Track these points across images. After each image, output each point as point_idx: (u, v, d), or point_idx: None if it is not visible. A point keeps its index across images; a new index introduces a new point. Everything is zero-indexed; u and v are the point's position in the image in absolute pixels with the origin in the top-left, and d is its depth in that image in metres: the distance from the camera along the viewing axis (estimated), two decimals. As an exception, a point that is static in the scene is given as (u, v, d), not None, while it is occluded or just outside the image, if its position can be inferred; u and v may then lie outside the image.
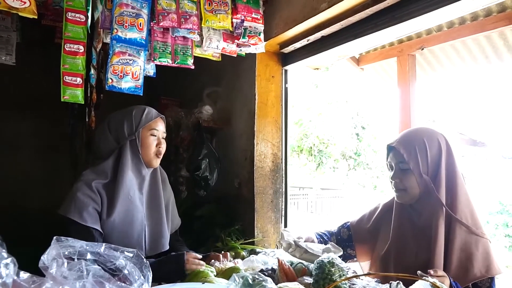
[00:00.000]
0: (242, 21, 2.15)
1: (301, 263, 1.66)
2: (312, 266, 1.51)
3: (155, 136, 1.88)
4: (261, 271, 1.68)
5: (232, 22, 2.13)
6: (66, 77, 1.67)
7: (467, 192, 1.55)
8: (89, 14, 1.70)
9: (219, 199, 2.82)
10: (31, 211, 3.32)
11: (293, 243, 1.64)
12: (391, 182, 1.65)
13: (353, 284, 1.36)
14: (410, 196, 1.59)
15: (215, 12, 2.05)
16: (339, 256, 1.51)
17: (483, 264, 1.44)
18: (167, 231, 1.96)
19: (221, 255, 1.89)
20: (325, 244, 1.83)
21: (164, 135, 1.94)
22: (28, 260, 1.15)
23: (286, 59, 2.70)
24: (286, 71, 2.74)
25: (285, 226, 2.65)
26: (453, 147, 1.59)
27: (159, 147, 1.88)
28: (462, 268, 1.44)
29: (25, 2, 1.57)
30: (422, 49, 2.80)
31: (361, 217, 1.90)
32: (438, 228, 1.48)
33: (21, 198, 3.34)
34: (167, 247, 1.94)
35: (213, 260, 1.84)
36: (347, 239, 1.89)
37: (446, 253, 1.47)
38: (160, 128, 1.91)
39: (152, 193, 1.93)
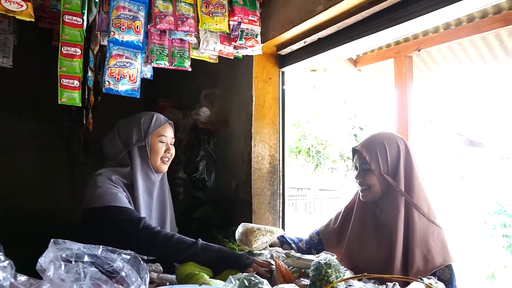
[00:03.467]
0: (239, 23, 2.15)
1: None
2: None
3: (164, 142, 1.92)
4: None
5: (229, 25, 2.14)
6: (63, 79, 1.67)
7: (424, 187, 1.69)
8: (85, 18, 1.70)
9: (217, 200, 2.82)
10: (29, 212, 3.32)
11: (284, 256, 1.67)
12: (356, 181, 1.80)
13: (350, 285, 1.36)
14: (373, 193, 1.74)
15: (212, 14, 2.06)
16: None
17: (440, 253, 1.57)
18: None
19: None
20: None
21: (173, 140, 1.98)
22: (26, 262, 1.16)
23: (283, 61, 2.70)
24: (283, 73, 2.74)
25: (283, 227, 2.65)
26: (410, 148, 1.75)
27: (168, 153, 1.93)
28: (423, 259, 1.56)
29: (22, 5, 1.57)
30: (419, 50, 2.81)
31: (328, 222, 2.06)
32: (398, 223, 1.62)
33: (18, 199, 3.33)
34: None
35: None
36: (318, 243, 2.03)
37: (408, 246, 1.60)
38: (169, 134, 1.95)
39: (160, 198, 1.98)
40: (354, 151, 1.82)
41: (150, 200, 1.90)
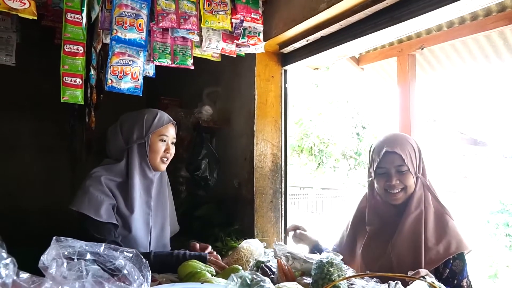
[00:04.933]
0: (242, 21, 2.15)
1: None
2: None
3: (165, 141, 1.92)
4: (261, 267, 1.70)
5: (231, 23, 2.13)
6: (66, 77, 1.67)
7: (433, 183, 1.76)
8: (84, 15, 1.69)
9: (219, 199, 2.82)
10: (30, 211, 3.33)
11: (289, 255, 1.65)
12: (388, 185, 1.72)
13: (352, 284, 1.36)
14: (406, 194, 1.70)
15: (214, 12, 2.05)
16: None
17: (454, 241, 1.58)
18: (167, 233, 2.00)
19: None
20: None
21: (174, 140, 1.98)
22: (28, 260, 1.16)
23: (285, 59, 2.70)
24: (285, 71, 2.74)
25: (285, 226, 2.65)
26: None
27: (167, 153, 1.92)
28: (437, 247, 1.58)
29: (24, 3, 1.57)
30: (422, 48, 2.80)
31: (341, 236, 2.01)
32: (426, 218, 1.64)
33: (20, 198, 3.34)
34: (169, 249, 1.97)
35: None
36: None
37: (426, 238, 1.62)
38: (171, 133, 1.95)
39: (159, 196, 1.98)
40: (387, 153, 1.72)
41: (148, 198, 1.91)
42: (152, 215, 1.91)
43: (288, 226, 2.00)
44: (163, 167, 1.94)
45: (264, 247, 2.00)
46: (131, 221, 1.81)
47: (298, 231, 2.01)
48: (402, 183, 1.69)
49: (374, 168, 1.76)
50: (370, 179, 1.84)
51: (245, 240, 1.97)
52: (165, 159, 1.93)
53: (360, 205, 1.91)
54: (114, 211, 1.79)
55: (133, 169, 1.84)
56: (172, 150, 1.96)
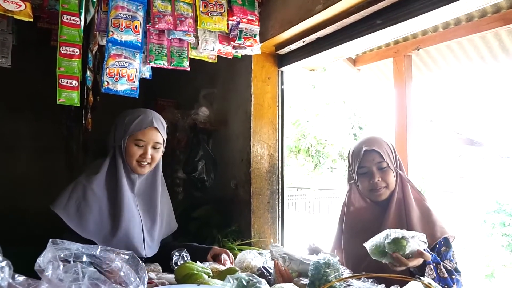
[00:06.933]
0: (238, 23, 2.15)
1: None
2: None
3: (141, 146, 1.85)
4: (261, 271, 1.70)
5: (227, 24, 2.13)
6: (62, 79, 1.67)
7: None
8: (82, 17, 1.70)
9: (216, 200, 2.82)
10: (27, 212, 3.32)
11: (286, 256, 1.65)
12: (371, 182, 1.76)
13: (349, 285, 1.36)
14: (388, 191, 1.76)
15: (210, 14, 2.05)
16: None
17: (437, 228, 1.65)
18: (157, 235, 1.98)
19: (224, 254, 1.92)
20: None
21: (156, 145, 1.90)
22: (25, 262, 1.16)
23: (282, 60, 2.70)
24: (282, 72, 2.74)
25: (282, 227, 2.65)
26: None
27: (143, 158, 1.85)
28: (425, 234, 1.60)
29: (20, 5, 1.57)
30: (418, 49, 2.81)
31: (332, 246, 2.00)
32: (412, 210, 1.70)
33: (17, 199, 3.33)
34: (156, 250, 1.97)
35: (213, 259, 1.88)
36: None
37: (408, 226, 1.67)
38: (150, 138, 1.87)
39: (148, 197, 1.96)
40: (366, 152, 1.77)
41: (134, 197, 1.90)
42: (142, 215, 1.90)
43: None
44: (142, 170, 1.88)
45: (261, 248, 2.00)
46: (120, 222, 1.79)
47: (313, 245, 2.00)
48: (384, 181, 1.75)
49: (356, 169, 1.81)
50: (352, 181, 1.88)
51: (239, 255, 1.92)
52: (143, 162, 1.86)
53: (341, 211, 1.94)
54: (95, 219, 1.77)
55: (118, 168, 1.85)
56: (152, 154, 1.87)
